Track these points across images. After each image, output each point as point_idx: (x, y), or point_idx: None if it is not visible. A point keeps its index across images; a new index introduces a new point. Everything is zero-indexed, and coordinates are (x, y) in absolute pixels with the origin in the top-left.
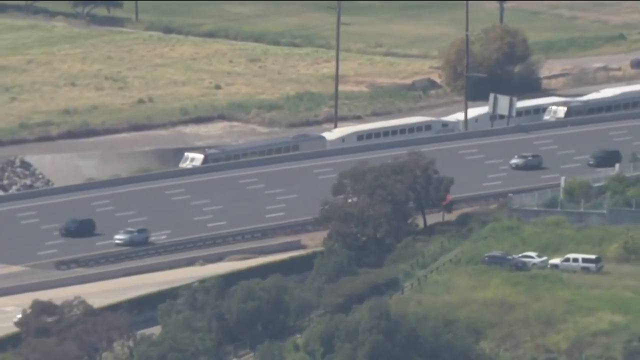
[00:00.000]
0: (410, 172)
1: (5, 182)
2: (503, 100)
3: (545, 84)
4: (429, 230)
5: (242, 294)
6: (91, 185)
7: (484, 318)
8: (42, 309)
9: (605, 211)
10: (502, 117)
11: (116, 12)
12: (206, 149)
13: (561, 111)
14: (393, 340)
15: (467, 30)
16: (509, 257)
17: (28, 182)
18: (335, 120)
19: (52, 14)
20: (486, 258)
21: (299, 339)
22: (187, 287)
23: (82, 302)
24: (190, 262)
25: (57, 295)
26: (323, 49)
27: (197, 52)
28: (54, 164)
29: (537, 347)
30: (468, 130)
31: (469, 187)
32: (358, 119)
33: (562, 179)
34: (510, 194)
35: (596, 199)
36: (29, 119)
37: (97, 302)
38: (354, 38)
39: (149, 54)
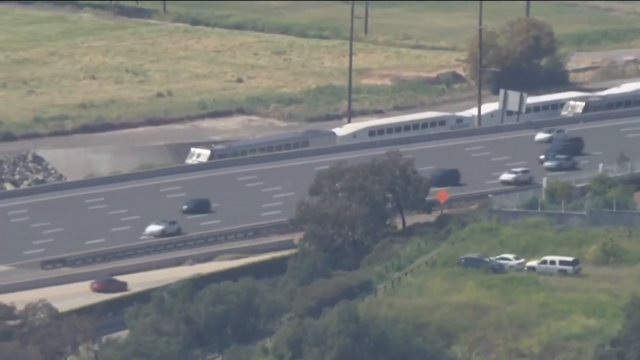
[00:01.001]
0: (388, 173)
1: (17, 177)
2: (513, 96)
3: (572, 77)
4: (408, 232)
5: (211, 297)
6: (86, 182)
7: (457, 321)
8: (4, 312)
9: (585, 213)
10: (518, 112)
11: (144, 4)
12: (212, 145)
13: (579, 107)
14: (362, 344)
15: (480, 24)
16: (486, 259)
17: (40, 177)
18: (349, 115)
19: (80, 5)
20: (462, 260)
21: (269, 342)
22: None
23: (47, 305)
24: (179, 262)
25: (39, 296)
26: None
27: (222, 44)
28: (67, 159)
29: (510, 351)
30: (482, 126)
31: (471, 186)
32: (379, 113)
33: (544, 179)
34: (490, 195)
35: (577, 200)
36: (44, 113)
37: (77, 303)
38: (382, 30)
39: (173, 46)
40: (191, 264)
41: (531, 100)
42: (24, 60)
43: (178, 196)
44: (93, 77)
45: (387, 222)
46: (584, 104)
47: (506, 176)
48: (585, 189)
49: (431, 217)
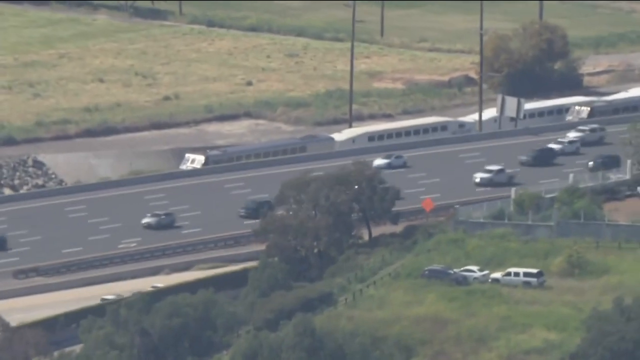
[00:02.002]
0: (355, 183)
1: (17, 182)
2: (511, 102)
3: (587, 81)
4: (374, 243)
5: (167, 309)
6: (65, 190)
7: (416, 335)
8: None
9: (553, 224)
10: (515, 118)
11: (160, 5)
12: (207, 151)
13: (584, 112)
14: (317, 358)
15: (481, 29)
16: (450, 271)
17: (40, 182)
18: (350, 120)
19: (95, 7)
20: (426, 272)
21: (225, 356)
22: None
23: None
24: (155, 272)
25: (9, 307)
26: (365, 44)
27: (235, 46)
28: (68, 164)
29: None
30: (483, 132)
31: (458, 194)
32: (388, 117)
33: (513, 190)
34: (457, 205)
35: (546, 211)
36: (48, 117)
37: (40, 315)
38: (399, 32)
39: (186, 48)
40: (168, 274)
41: (536, 105)
42: (33, 62)
43: (162, 204)
44: (101, 80)
45: (353, 233)
46: (589, 109)
47: (481, 175)
48: (555, 200)
49: (398, 228)
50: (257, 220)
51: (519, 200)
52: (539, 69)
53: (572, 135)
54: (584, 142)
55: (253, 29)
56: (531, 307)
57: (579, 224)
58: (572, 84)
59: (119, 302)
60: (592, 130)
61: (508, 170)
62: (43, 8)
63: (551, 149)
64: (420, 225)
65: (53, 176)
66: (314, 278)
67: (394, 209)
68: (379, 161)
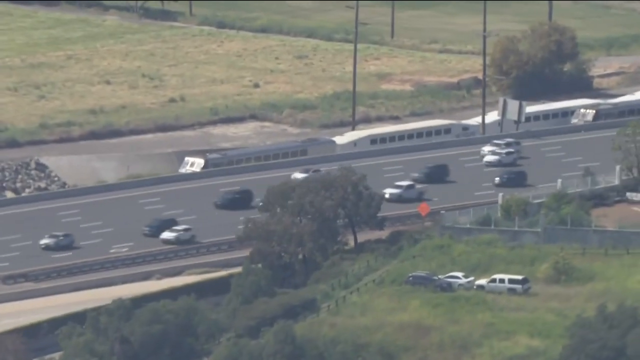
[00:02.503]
0: (340, 189)
1: (19, 184)
2: (512, 105)
3: (597, 83)
4: (359, 249)
5: (148, 316)
6: (59, 194)
7: (398, 342)
8: None
9: (539, 230)
10: (517, 121)
11: (171, 6)
12: (207, 154)
13: (589, 114)
14: None
15: (484, 31)
16: (434, 277)
17: (42, 184)
18: (353, 122)
19: (106, 8)
20: (410, 278)
21: None
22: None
23: None
24: (146, 277)
25: None
26: (376, 46)
27: (244, 48)
28: (71, 166)
29: None
30: (485, 135)
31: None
32: (395, 119)
33: (500, 195)
34: (443, 211)
35: (533, 217)
36: (52, 119)
37: (24, 321)
38: (410, 33)
39: (194, 50)
40: (159, 279)
41: (541, 108)
42: (40, 64)
43: (156, 207)
44: (107, 82)
45: (338, 239)
46: (594, 111)
47: (391, 191)
48: (543, 205)
49: (384, 234)
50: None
51: (506, 206)
52: (548, 70)
53: (487, 149)
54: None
55: (263, 30)
56: (516, 314)
57: (565, 230)
58: (582, 86)
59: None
60: (508, 145)
61: (418, 186)
62: (53, 9)
63: (445, 166)
64: (406, 231)
65: (56, 179)
66: (298, 284)
67: (379, 214)
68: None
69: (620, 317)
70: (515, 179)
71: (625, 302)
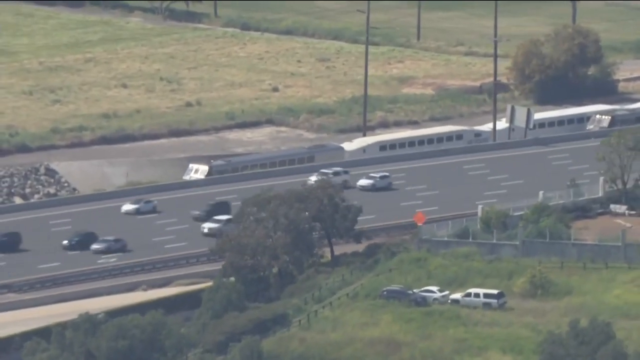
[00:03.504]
0: (316, 201)
1: (28, 190)
2: (520, 112)
3: (622, 87)
4: (336, 262)
5: (113, 331)
6: (54, 202)
7: (368, 358)
8: None
9: (518, 243)
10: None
11: (196, 7)
12: (212, 160)
13: (605, 121)
14: None
15: (495, 36)
16: (409, 291)
17: (52, 190)
18: (364, 128)
19: (130, 9)
20: (385, 292)
21: None
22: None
23: None
24: (132, 288)
25: None
26: (401, 48)
27: (267, 50)
28: (82, 172)
29: None
30: (495, 142)
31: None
32: (414, 124)
33: (480, 207)
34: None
35: (512, 230)
36: (64, 124)
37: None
38: (437, 35)
39: (216, 52)
40: (145, 290)
41: (555, 114)
42: (58, 67)
43: (149, 217)
44: (124, 86)
45: (315, 252)
46: (610, 117)
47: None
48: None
49: (361, 247)
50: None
51: (485, 218)
52: (571, 74)
53: (314, 178)
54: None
55: (288, 32)
56: (489, 329)
57: (544, 243)
58: (606, 90)
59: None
60: (335, 174)
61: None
62: (77, 10)
63: (226, 203)
64: (383, 244)
65: (65, 184)
66: (273, 298)
67: (356, 226)
68: (127, 207)
69: (591, 332)
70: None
71: (599, 317)
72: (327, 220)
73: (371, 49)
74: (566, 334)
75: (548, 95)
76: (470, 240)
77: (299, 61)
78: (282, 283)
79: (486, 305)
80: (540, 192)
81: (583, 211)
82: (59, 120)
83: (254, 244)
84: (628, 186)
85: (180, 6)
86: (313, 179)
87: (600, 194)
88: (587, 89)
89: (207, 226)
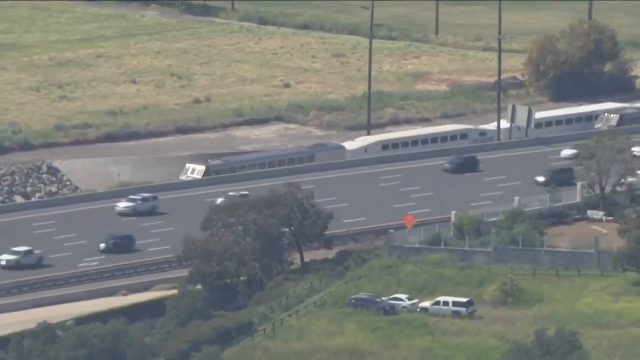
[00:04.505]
0: (285, 206)
1: (29, 189)
2: (522, 111)
3: None
4: (306, 269)
5: (73, 340)
6: (38, 204)
7: None
8: None
9: (490, 250)
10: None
11: (214, 2)
12: (209, 160)
13: (614, 119)
14: None
15: (500, 34)
16: (377, 300)
17: (54, 189)
18: (369, 127)
19: (147, 3)
20: (353, 301)
21: None
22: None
23: None
24: (112, 292)
25: None
26: (418, 44)
27: (282, 46)
28: (85, 170)
29: None
30: (502, 141)
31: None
32: (426, 121)
33: (453, 213)
34: (391, 230)
35: (486, 236)
36: (69, 121)
37: None
38: (457, 30)
39: (230, 48)
40: (125, 295)
41: (563, 112)
42: (68, 62)
43: (135, 219)
44: (134, 82)
45: (284, 259)
46: (618, 116)
47: (124, 205)
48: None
49: (332, 254)
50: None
51: (458, 225)
52: (587, 71)
53: (122, 205)
54: (136, 212)
55: (305, 26)
56: (457, 338)
57: (517, 251)
58: (624, 87)
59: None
60: (145, 200)
61: None
62: (92, 4)
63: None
64: (354, 251)
65: (68, 183)
66: (242, 306)
67: (327, 232)
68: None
69: (557, 342)
70: (122, 244)
71: (570, 326)
72: (296, 227)
73: (387, 44)
74: (532, 343)
75: (563, 92)
76: (442, 247)
77: (313, 57)
78: (251, 291)
79: (455, 314)
80: (516, 198)
81: (560, 217)
82: (65, 117)
83: (221, 251)
84: (606, 192)
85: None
86: (122, 205)
87: (578, 199)
88: (604, 86)
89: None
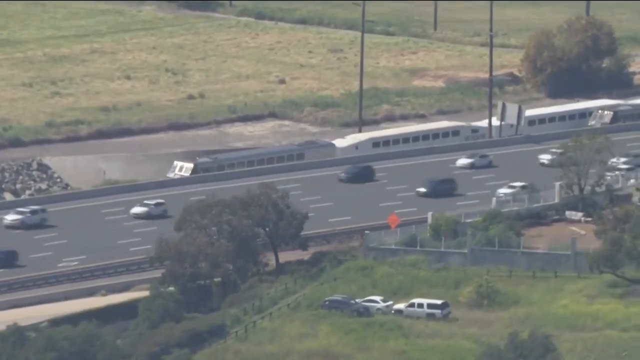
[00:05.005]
0: (259, 207)
1: (19, 186)
2: (511, 109)
3: (638, 79)
4: (280, 270)
5: (42, 343)
6: (22, 202)
7: None
8: None
9: (466, 251)
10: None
11: None
12: (197, 157)
13: (607, 116)
14: None
15: (491, 30)
16: (352, 301)
17: (44, 186)
18: (360, 124)
19: None
20: (326, 302)
21: None
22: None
23: None
24: (91, 293)
25: None
26: (416, 39)
27: (279, 41)
28: (75, 167)
29: None
30: (494, 139)
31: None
32: (421, 117)
33: (430, 214)
34: (367, 231)
35: (462, 237)
36: (60, 117)
37: None
38: (454, 25)
39: (226, 43)
40: (104, 295)
41: (556, 109)
42: (62, 57)
43: (118, 217)
44: (127, 77)
45: (259, 260)
46: (612, 113)
47: (11, 217)
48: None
49: (308, 255)
50: None
51: (435, 225)
52: (585, 67)
53: (10, 218)
54: (25, 225)
55: (303, 21)
56: (431, 340)
57: (493, 252)
58: (621, 83)
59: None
60: (33, 212)
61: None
62: None
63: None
64: (330, 252)
65: (58, 180)
66: (215, 308)
67: (302, 233)
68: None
69: (530, 345)
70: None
71: (545, 328)
72: (271, 227)
73: (385, 39)
74: (505, 346)
75: (560, 88)
76: (418, 248)
77: (310, 52)
78: (225, 292)
79: (430, 316)
80: (493, 198)
81: (538, 218)
82: (56, 113)
83: (194, 252)
84: (585, 192)
85: None
86: (9, 218)
87: (557, 200)
88: (601, 82)
89: None
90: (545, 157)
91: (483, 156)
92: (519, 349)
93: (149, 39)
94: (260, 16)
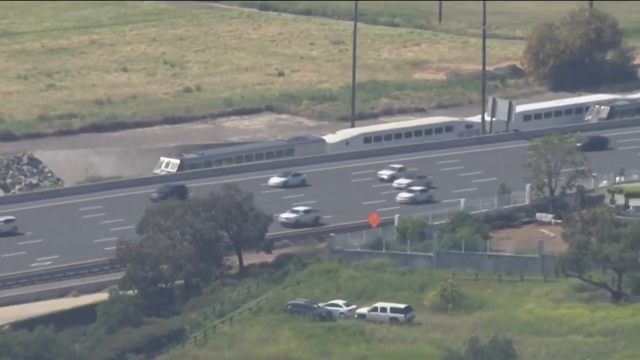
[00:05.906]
0: (223, 209)
1: (9, 180)
2: (502, 105)
3: None
4: (244, 273)
5: None
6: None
7: None
8: None
9: (432, 254)
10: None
11: None
12: (184, 153)
13: (604, 111)
14: None
15: (484, 24)
16: (314, 305)
17: (34, 180)
18: (353, 118)
19: None
20: (289, 306)
21: None
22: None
23: None
24: (63, 293)
25: None
26: (420, 30)
27: (281, 32)
28: (67, 161)
29: None
30: (486, 135)
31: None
32: (421, 111)
33: (396, 216)
34: (332, 233)
35: (429, 240)
36: (54, 110)
37: None
38: (460, 17)
39: (228, 34)
40: (76, 296)
41: (552, 104)
42: (60, 49)
43: (96, 216)
44: (125, 70)
45: (222, 263)
46: (609, 108)
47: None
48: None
49: (271, 257)
50: None
51: (401, 228)
52: (588, 59)
53: None
54: None
55: (306, 12)
56: (393, 345)
57: (459, 255)
58: (625, 76)
59: None
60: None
61: None
62: None
63: None
64: (294, 254)
65: (49, 174)
66: (178, 312)
67: (267, 235)
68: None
69: (491, 351)
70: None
71: (509, 333)
72: (235, 230)
73: (389, 30)
74: (465, 352)
75: (563, 81)
76: (384, 250)
77: (312, 44)
78: (187, 296)
79: (393, 320)
80: (462, 200)
81: (508, 220)
82: (50, 106)
83: (155, 254)
84: (556, 194)
85: None
86: None
87: (527, 201)
88: (605, 74)
89: None
90: (385, 173)
91: (296, 175)
92: (479, 354)
93: (149, 30)
94: (264, 7)
